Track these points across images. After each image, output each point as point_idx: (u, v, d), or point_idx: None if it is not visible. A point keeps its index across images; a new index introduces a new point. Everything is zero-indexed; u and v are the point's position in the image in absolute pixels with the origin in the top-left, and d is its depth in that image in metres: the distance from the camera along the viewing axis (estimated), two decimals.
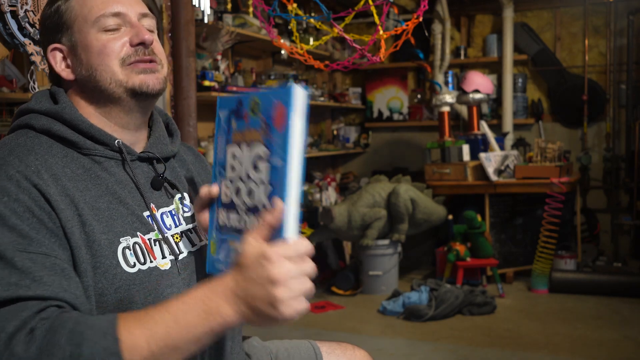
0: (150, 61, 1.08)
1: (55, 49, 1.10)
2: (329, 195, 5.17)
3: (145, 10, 1.12)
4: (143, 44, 1.07)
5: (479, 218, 4.40)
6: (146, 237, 1.05)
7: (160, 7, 3.07)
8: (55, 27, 1.10)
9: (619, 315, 3.87)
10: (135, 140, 1.13)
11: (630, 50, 5.28)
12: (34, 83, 2.01)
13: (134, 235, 1.03)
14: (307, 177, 5.37)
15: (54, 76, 1.13)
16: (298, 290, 0.84)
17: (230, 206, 0.98)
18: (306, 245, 0.86)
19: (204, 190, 1.03)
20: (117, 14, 1.07)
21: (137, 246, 1.03)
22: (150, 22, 1.11)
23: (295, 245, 0.85)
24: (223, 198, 1.00)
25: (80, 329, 0.84)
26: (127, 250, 1.01)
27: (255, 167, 0.92)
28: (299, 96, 0.85)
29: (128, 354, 0.83)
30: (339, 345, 1.40)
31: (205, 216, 1.05)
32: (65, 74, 1.10)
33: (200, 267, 1.11)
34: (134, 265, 1.01)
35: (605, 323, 3.72)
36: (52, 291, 0.89)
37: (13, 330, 0.83)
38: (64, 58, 1.10)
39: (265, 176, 0.90)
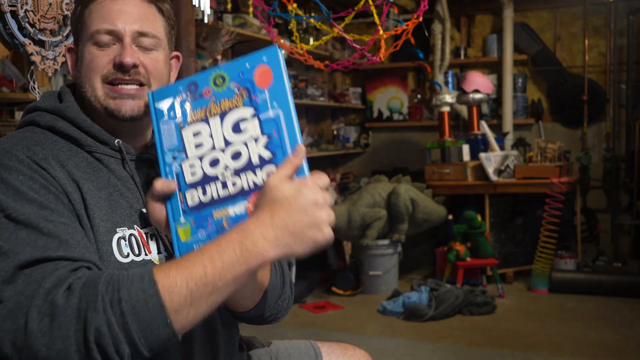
0: (133, 82, 1.10)
1: (71, 49, 1.17)
2: None
3: (146, 29, 1.12)
4: (122, 66, 1.08)
5: (479, 218, 4.40)
6: (143, 230, 1.07)
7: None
8: (74, 30, 1.15)
9: (619, 315, 3.87)
10: (133, 142, 1.16)
11: (630, 50, 5.28)
12: (34, 83, 2.01)
13: (131, 227, 1.05)
14: None
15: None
16: (332, 214, 0.92)
17: (205, 181, 1.00)
18: (327, 178, 0.94)
19: (160, 183, 1.01)
20: (110, 32, 1.09)
21: (132, 238, 1.05)
22: (150, 41, 1.12)
23: (322, 176, 0.94)
24: (188, 179, 1.01)
25: (117, 278, 0.87)
26: (122, 241, 1.03)
27: (238, 130, 0.99)
28: (281, 54, 0.98)
29: (167, 294, 0.85)
30: (339, 345, 1.40)
31: (159, 209, 1.03)
32: (73, 74, 1.16)
33: None
34: (127, 256, 1.03)
35: (605, 323, 3.72)
36: (79, 252, 0.92)
37: (50, 286, 0.85)
38: (76, 59, 1.15)
39: (255, 132, 0.98)
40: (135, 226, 1.06)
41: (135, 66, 1.09)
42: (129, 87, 1.10)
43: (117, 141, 1.10)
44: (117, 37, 1.09)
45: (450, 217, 4.60)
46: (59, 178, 0.99)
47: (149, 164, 1.15)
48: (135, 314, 0.84)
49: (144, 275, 0.87)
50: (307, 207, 0.89)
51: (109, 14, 1.09)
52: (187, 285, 0.86)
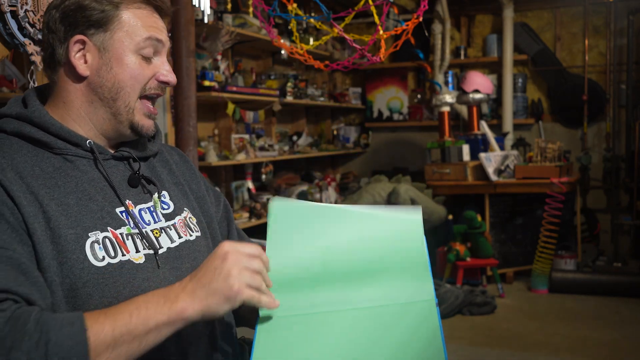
0: (157, 96, 1.15)
1: (80, 40, 1.08)
2: (329, 195, 5.18)
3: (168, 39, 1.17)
4: (168, 84, 1.14)
5: (479, 218, 4.40)
6: (117, 231, 1.05)
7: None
8: (92, 22, 1.08)
9: (619, 315, 3.87)
10: (112, 142, 1.15)
11: (630, 50, 5.28)
12: (34, 83, 2.01)
13: (104, 230, 1.03)
14: (307, 177, 5.37)
15: (54, 61, 1.11)
16: (254, 280, 0.95)
17: None
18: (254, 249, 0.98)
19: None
20: (159, 41, 1.12)
21: (107, 240, 1.03)
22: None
23: (250, 248, 0.97)
24: None
25: (46, 318, 0.87)
26: (95, 245, 1.01)
27: None
28: None
29: (94, 339, 0.88)
30: None
31: None
32: (83, 69, 1.09)
33: (179, 263, 1.12)
34: (103, 259, 1.01)
35: (605, 323, 3.72)
36: (7, 284, 0.90)
37: None
38: (84, 53, 1.09)
39: None
40: (108, 228, 1.04)
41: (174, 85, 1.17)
42: (155, 110, 1.15)
43: (89, 142, 1.09)
44: (158, 49, 1.12)
45: (450, 217, 4.59)
46: (13, 191, 0.98)
47: (124, 162, 1.15)
48: (60, 358, 0.85)
49: (75, 321, 0.88)
50: (219, 270, 0.95)
51: (152, 23, 1.12)
52: (113, 332, 0.89)
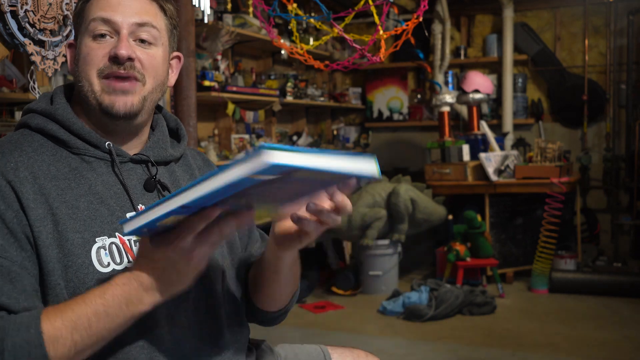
0: (127, 77, 1.06)
1: (71, 44, 1.14)
2: None
3: (145, 19, 1.09)
4: (116, 58, 1.05)
5: (479, 218, 4.40)
6: (126, 237, 1.04)
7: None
8: (74, 24, 1.13)
9: (619, 315, 3.87)
10: (128, 143, 1.13)
11: (630, 50, 5.29)
12: (34, 83, 2.01)
13: (111, 236, 1.03)
14: None
15: None
16: (200, 257, 0.90)
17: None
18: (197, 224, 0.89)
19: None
20: (106, 21, 1.06)
21: (113, 246, 1.02)
22: (148, 34, 1.09)
23: (188, 230, 0.89)
24: None
25: (3, 324, 0.88)
26: (102, 250, 1.01)
27: None
28: None
29: (52, 345, 0.88)
30: (351, 352, 1.34)
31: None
32: (71, 69, 1.14)
33: None
34: (108, 265, 1.01)
35: (605, 323, 3.72)
36: None
37: None
38: (75, 55, 1.12)
39: None
40: (116, 234, 1.03)
41: (130, 59, 1.05)
42: (123, 83, 1.06)
43: (108, 144, 1.08)
44: (114, 29, 1.06)
45: (450, 217, 4.59)
46: (22, 192, 0.97)
47: (143, 165, 1.13)
48: None
49: (31, 325, 0.88)
50: (176, 262, 0.90)
51: (108, 5, 1.07)
52: (72, 337, 0.89)
